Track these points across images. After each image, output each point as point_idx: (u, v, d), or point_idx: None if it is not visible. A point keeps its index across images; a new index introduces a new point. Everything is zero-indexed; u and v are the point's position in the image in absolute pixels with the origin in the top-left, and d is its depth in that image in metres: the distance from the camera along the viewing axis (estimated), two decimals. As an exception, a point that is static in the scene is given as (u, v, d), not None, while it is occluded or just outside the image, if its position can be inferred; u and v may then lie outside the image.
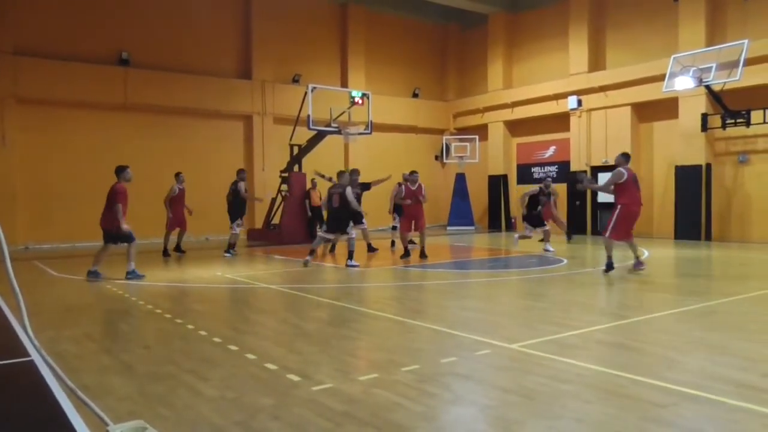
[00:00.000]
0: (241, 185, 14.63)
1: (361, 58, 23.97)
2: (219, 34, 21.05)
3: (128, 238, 10.89)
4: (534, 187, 15.37)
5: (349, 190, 12.05)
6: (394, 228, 16.48)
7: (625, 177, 10.13)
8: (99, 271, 10.78)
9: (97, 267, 10.79)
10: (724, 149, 17.83)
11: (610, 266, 10.31)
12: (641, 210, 10.52)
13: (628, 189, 10.14)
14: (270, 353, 5.45)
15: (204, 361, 5.25)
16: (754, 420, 3.71)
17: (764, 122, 15.96)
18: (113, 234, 10.81)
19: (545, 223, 14.95)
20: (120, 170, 11.11)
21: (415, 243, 14.23)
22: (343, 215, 12.20)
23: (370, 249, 14.63)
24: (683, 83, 16.36)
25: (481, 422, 3.75)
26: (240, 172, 15.08)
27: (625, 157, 10.53)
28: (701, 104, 17.41)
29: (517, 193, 23.82)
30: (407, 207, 13.60)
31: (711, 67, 15.78)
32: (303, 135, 18.49)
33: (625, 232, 10.30)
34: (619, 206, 10.21)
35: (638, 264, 10.41)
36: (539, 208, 14.82)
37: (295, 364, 5.05)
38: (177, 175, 15.07)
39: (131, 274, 10.72)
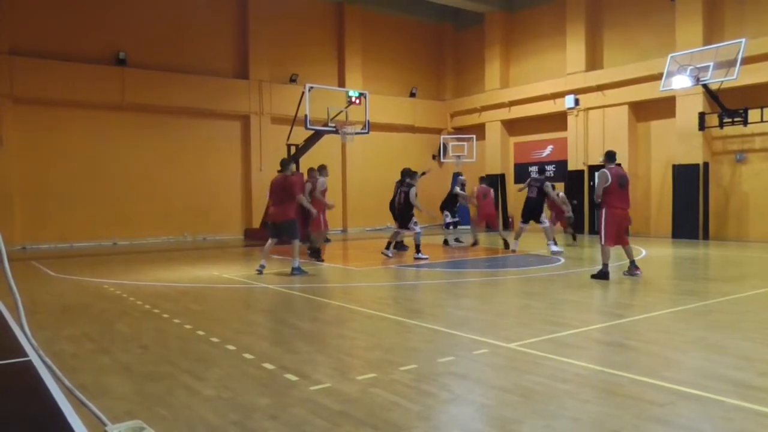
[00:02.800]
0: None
1: (358, 57, 23.96)
2: (216, 34, 21.03)
3: (296, 233, 10.98)
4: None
5: (413, 190, 13.16)
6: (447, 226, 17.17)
7: (610, 180, 9.68)
8: (302, 267, 10.96)
9: (297, 260, 10.92)
10: (721, 148, 17.87)
11: (604, 274, 9.65)
12: (627, 212, 10.01)
13: (612, 191, 9.70)
14: (267, 353, 5.45)
15: (201, 360, 5.25)
16: (751, 419, 3.72)
17: (761, 121, 15.99)
18: (286, 225, 10.83)
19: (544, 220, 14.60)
20: (287, 163, 11.31)
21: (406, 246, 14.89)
22: (404, 212, 13.37)
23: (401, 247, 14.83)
24: (680, 82, 16.38)
25: (478, 421, 3.76)
26: (309, 171, 15.11)
27: (609, 156, 10.10)
28: (698, 103, 17.44)
29: (516, 192, 23.91)
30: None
31: (708, 66, 15.80)
32: (300, 135, 18.47)
33: (616, 236, 9.81)
34: (603, 209, 9.82)
35: (634, 268, 9.89)
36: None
37: (292, 364, 5.05)
38: (322, 168, 14.28)
39: (297, 270, 10.82)
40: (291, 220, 10.85)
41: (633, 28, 19.84)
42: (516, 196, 23.75)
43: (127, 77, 18.91)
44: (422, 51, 26.30)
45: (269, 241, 11.16)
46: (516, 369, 4.83)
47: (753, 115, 16.07)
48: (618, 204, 9.78)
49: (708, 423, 3.66)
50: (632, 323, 6.56)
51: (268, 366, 4.99)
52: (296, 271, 10.80)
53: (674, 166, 18.29)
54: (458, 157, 24.20)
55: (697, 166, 17.67)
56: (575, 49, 21.13)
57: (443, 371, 4.79)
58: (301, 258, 11.12)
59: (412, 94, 25.70)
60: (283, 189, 10.80)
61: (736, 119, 16.29)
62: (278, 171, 11.51)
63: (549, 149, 22.96)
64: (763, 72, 16.10)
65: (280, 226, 10.90)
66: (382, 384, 4.47)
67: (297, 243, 10.95)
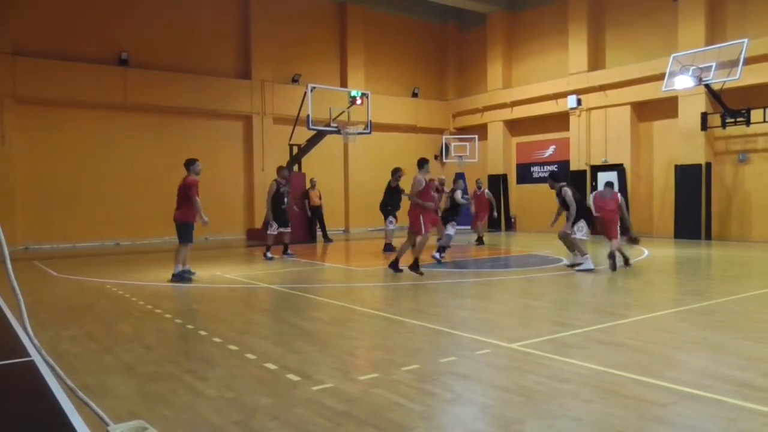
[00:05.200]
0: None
1: (360, 57, 23.97)
2: (218, 34, 21.04)
3: (185, 237, 10.52)
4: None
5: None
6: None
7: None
8: (183, 275, 10.45)
9: (181, 266, 10.47)
10: (723, 148, 17.84)
11: (626, 262, 11.22)
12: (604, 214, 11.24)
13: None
14: (270, 353, 5.45)
15: (204, 360, 5.25)
16: (754, 419, 3.72)
17: (764, 121, 15.95)
18: (178, 226, 10.49)
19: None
20: (190, 163, 10.56)
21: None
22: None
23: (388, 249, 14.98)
24: (683, 82, 16.35)
25: (480, 421, 3.75)
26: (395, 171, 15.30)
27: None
28: (701, 103, 17.41)
29: (517, 193, 23.86)
30: None
31: (711, 66, 15.77)
32: (302, 135, 18.48)
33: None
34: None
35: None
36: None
37: (294, 364, 5.05)
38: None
39: (176, 277, 10.38)
40: (185, 222, 10.49)
41: (635, 28, 19.82)
42: (517, 196, 23.80)
43: (129, 77, 18.93)
44: (425, 51, 26.30)
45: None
46: (518, 369, 4.83)
47: (755, 115, 16.03)
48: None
49: (711, 423, 3.65)
50: (634, 323, 6.55)
51: (271, 366, 4.99)
52: (175, 278, 10.32)
53: (677, 166, 18.26)
54: (460, 157, 24.19)
55: (699, 166, 17.64)
56: (577, 49, 21.11)
57: (445, 371, 4.79)
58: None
59: (415, 94, 25.70)
60: (181, 190, 10.48)
61: (738, 119, 16.25)
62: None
63: (551, 149, 22.94)
64: (766, 72, 16.07)
65: (176, 227, 10.56)
66: (385, 384, 4.47)
67: (185, 248, 10.51)
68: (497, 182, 24.26)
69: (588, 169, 20.85)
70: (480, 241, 17.37)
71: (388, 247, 14.93)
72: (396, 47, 25.23)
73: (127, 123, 19.12)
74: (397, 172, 15.13)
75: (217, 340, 5.99)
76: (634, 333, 6.09)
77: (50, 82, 17.57)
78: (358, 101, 18.50)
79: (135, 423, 3.43)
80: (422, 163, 10.93)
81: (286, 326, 6.81)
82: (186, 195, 10.31)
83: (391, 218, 15.25)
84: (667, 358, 5.08)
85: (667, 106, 18.53)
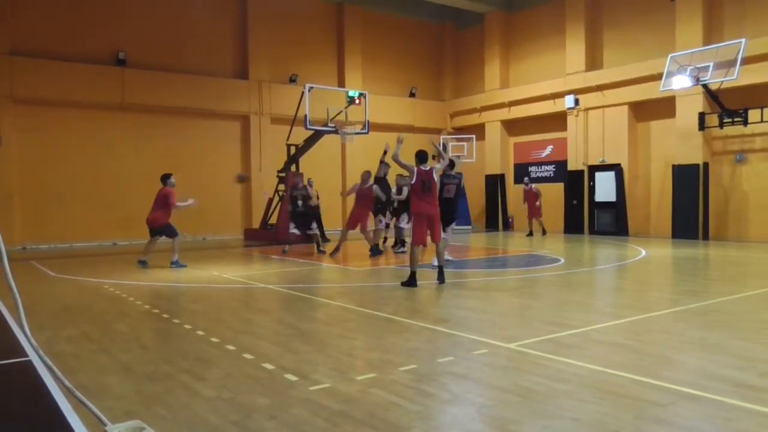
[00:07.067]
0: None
1: (357, 57, 23.97)
2: (216, 34, 21.04)
3: (174, 232, 12.42)
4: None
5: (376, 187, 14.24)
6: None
7: (415, 179, 9.29)
8: (180, 261, 12.35)
9: (176, 255, 12.38)
10: (721, 148, 17.87)
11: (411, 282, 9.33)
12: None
13: (415, 192, 9.23)
14: (267, 353, 5.45)
15: (201, 360, 5.24)
16: (752, 419, 3.72)
17: (761, 121, 15.99)
18: (160, 229, 12.35)
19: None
20: (167, 177, 12.44)
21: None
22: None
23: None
24: (680, 82, 16.39)
25: (477, 422, 3.75)
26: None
27: (420, 157, 9.56)
28: (698, 103, 17.44)
29: (515, 192, 23.86)
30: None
31: (708, 66, 15.82)
32: (300, 135, 18.48)
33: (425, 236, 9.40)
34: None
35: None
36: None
37: (292, 364, 5.04)
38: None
39: (175, 264, 12.22)
40: (165, 225, 12.30)
41: (633, 28, 19.85)
42: (515, 196, 23.81)
43: (127, 77, 18.93)
44: (422, 51, 26.31)
45: (150, 239, 12.60)
46: (515, 369, 4.83)
47: (753, 115, 16.07)
48: (423, 206, 9.27)
49: (708, 423, 3.65)
50: (632, 323, 6.56)
51: (268, 366, 4.99)
52: (174, 264, 12.20)
53: (674, 166, 18.29)
54: (458, 157, 24.18)
55: (696, 166, 17.67)
56: (575, 49, 21.14)
57: (443, 371, 4.79)
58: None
59: (412, 94, 25.71)
60: (161, 199, 12.23)
61: (736, 119, 16.29)
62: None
63: (549, 149, 22.97)
64: (763, 72, 16.11)
65: (158, 230, 12.36)
66: (382, 384, 4.47)
67: (177, 241, 12.41)
68: (494, 182, 24.29)
69: (586, 169, 20.87)
70: (543, 232, 19.90)
71: (375, 249, 14.07)
72: (393, 47, 25.25)
73: (124, 123, 19.13)
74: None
75: (214, 340, 5.99)
76: (631, 333, 6.09)
77: (48, 82, 17.57)
78: (357, 102, 18.50)
79: (132, 423, 3.43)
80: (423, 157, 9.61)
81: (284, 326, 6.80)
82: (165, 203, 12.18)
83: (380, 217, 14.97)
84: (664, 358, 5.09)
85: (664, 106, 18.56)
